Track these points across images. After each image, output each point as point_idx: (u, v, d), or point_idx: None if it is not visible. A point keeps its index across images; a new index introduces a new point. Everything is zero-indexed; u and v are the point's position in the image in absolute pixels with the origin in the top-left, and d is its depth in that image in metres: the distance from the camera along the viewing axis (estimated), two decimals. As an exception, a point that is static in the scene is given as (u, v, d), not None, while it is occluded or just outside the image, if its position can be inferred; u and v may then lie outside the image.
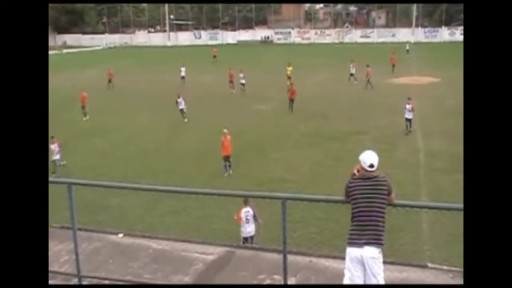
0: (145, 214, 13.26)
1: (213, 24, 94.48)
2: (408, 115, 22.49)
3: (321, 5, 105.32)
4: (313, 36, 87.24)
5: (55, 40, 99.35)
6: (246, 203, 10.62)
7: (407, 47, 58.49)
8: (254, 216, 10.65)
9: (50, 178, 6.45)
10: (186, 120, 26.18)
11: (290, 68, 36.55)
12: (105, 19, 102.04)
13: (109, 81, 39.63)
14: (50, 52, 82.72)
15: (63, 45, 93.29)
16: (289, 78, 35.12)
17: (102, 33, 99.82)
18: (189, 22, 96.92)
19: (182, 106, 26.11)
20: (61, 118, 26.04)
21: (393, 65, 42.86)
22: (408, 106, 22.53)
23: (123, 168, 18.20)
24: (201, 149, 21.04)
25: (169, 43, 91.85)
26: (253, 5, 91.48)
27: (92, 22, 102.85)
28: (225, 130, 17.99)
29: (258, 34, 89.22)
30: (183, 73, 40.06)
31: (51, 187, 5.83)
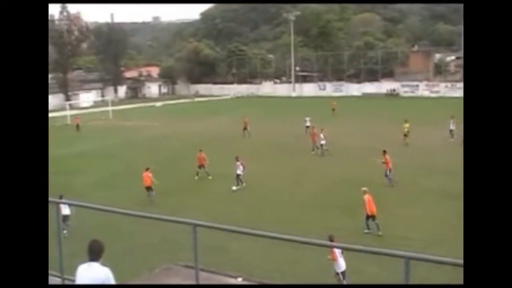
0: (263, 261, 13.41)
1: (338, 76, 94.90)
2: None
3: (453, 57, 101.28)
4: (442, 89, 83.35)
5: (189, 89, 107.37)
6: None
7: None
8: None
9: (175, 218, 7.01)
10: (234, 188, 23.33)
11: (407, 125, 34.98)
12: (234, 70, 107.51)
13: (244, 128, 40.70)
14: (183, 100, 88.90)
15: (196, 94, 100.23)
16: (405, 136, 34.16)
17: (231, 83, 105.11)
18: (314, 74, 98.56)
19: (239, 171, 23.12)
20: (186, 163, 27.53)
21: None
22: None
23: (243, 213, 18.69)
24: (322, 199, 21.01)
25: (294, 94, 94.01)
26: (379, 57, 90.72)
27: (222, 73, 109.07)
28: (365, 188, 17.41)
29: (383, 86, 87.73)
30: (307, 123, 40.90)
31: (177, 226, 6.20)
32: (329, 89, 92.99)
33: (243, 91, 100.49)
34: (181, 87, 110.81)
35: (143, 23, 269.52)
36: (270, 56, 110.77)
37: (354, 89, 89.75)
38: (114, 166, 29.16)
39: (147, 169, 22.38)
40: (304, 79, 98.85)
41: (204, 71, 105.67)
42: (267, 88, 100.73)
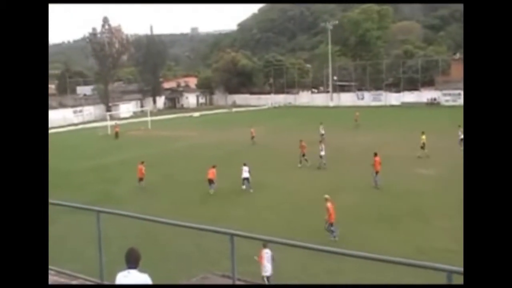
0: (299, 272, 13.32)
1: (377, 85, 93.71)
2: None
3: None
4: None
5: (226, 99, 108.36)
6: (265, 246, 12.25)
7: None
8: (272, 257, 12.32)
9: (213, 228, 7.04)
10: (243, 187, 25.57)
11: (423, 137, 34.02)
12: (271, 80, 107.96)
13: (252, 138, 43.24)
14: (221, 111, 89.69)
15: (233, 104, 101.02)
16: (422, 147, 33.40)
17: (268, 93, 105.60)
18: (352, 83, 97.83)
19: (246, 174, 25.65)
20: (227, 170, 27.81)
21: None
22: None
23: (280, 223, 18.62)
24: (359, 209, 20.70)
25: (331, 104, 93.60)
26: (419, 66, 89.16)
27: (259, 83, 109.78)
28: (327, 196, 17.32)
29: (424, 95, 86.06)
30: (322, 131, 42.26)
31: (214, 236, 6.22)
32: (368, 98, 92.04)
33: (280, 101, 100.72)
34: (219, 97, 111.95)
35: (181, 35, 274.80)
36: (308, 65, 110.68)
37: (393, 98, 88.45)
38: (152, 175, 29.68)
39: (213, 167, 25.71)
40: (342, 89, 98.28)
41: (241, 81, 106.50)
42: (305, 98, 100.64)
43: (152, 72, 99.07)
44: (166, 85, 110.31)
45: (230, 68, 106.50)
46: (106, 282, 7.20)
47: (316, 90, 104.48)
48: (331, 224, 17.28)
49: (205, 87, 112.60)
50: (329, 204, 17.17)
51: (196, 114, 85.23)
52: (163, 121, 73.69)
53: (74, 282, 8.03)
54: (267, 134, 49.35)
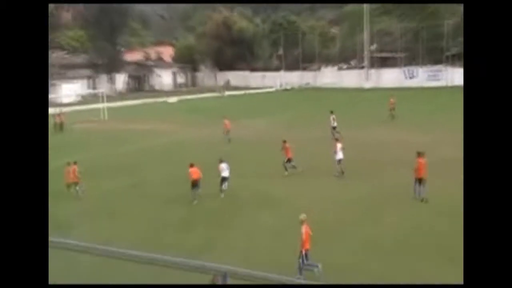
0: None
1: (434, 57, 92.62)
2: None
3: None
4: None
5: (216, 78, 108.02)
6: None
7: None
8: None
9: (201, 263, 6.94)
10: (222, 188, 27.71)
11: None
12: (281, 51, 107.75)
13: (226, 132, 44.84)
14: (208, 95, 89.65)
15: (226, 85, 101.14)
16: None
17: (277, 70, 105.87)
18: (398, 55, 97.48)
19: (225, 173, 28.11)
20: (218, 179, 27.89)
21: None
22: None
23: (288, 256, 18.53)
24: (400, 235, 20.60)
25: (367, 85, 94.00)
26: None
27: (264, 56, 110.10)
28: (303, 217, 17.59)
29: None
30: (334, 123, 43.69)
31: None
32: (421, 76, 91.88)
33: (294, 80, 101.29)
34: (205, 76, 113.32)
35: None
36: (333, 30, 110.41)
37: (458, 76, 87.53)
38: (111, 186, 29.40)
39: (191, 165, 27.24)
40: (384, 63, 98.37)
41: (238, 52, 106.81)
42: (329, 76, 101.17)
43: (108, 38, 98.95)
44: (129, 57, 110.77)
45: (222, 33, 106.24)
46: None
47: (345, 66, 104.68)
48: (306, 255, 17.17)
49: (186, 61, 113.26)
50: (304, 228, 17.29)
51: (173, 99, 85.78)
52: (125, 109, 73.84)
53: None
54: (273, 129, 49.76)
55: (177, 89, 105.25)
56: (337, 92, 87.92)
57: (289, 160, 32.23)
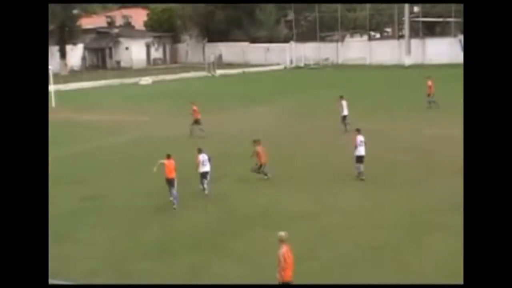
0: None
1: None
2: None
3: None
4: None
5: (204, 52, 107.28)
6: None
7: None
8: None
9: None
10: (203, 187, 29.69)
11: None
12: (291, 15, 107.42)
13: (195, 122, 45.73)
14: (193, 74, 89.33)
15: (217, 61, 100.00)
16: None
17: (285, 40, 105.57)
18: (450, 19, 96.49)
19: (206, 168, 30.07)
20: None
21: None
22: None
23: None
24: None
25: (407, 61, 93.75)
26: None
27: (268, 21, 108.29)
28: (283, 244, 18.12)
29: None
30: (344, 111, 45.01)
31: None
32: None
33: (309, 55, 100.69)
34: (190, 49, 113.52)
35: None
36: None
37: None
38: (57, 202, 27.54)
39: (168, 157, 29.07)
40: (431, 31, 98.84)
41: (233, 17, 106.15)
42: (356, 49, 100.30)
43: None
44: (87, 22, 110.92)
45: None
46: None
47: (377, 35, 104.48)
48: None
49: (164, 29, 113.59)
50: (283, 250, 18.56)
51: (146, 80, 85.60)
52: (81, 93, 74.57)
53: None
54: (277, 121, 50.40)
55: (151, 67, 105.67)
56: (367, 70, 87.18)
57: (260, 166, 33.31)
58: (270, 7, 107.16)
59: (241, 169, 33.83)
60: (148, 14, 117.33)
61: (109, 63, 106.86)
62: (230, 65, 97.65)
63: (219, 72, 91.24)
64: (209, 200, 28.66)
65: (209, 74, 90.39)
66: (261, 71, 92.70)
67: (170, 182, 28.12)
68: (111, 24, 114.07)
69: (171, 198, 28.10)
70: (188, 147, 39.68)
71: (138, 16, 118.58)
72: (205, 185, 29.53)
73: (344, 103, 45.12)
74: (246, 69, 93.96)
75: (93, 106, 63.10)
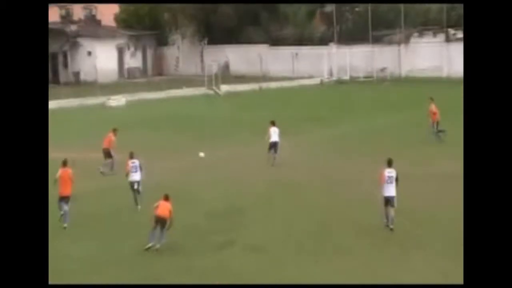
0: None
1: None
2: None
3: None
4: None
5: (202, 59, 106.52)
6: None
7: None
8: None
9: None
10: (136, 202, 37.07)
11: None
12: (330, 6, 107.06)
13: (107, 153, 46.68)
14: (186, 92, 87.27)
15: (223, 71, 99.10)
16: None
17: (323, 42, 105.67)
18: None
19: (136, 177, 38.33)
20: None
21: None
22: None
23: None
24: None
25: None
26: None
27: (297, 16, 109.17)
28: None
29: None
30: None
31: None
32: None
33: (357, 64, 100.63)
34: (182, 55, 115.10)
35: None
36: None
37: None
38: None
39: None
40: None
41: (244, 9, 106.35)
42: (426, 54, 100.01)
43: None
44: None
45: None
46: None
47: (459, 34, 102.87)
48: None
49: (144, 26, 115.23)
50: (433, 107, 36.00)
51: (117, 100, 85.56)
52: None
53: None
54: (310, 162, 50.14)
55: (125, 81, 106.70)
56: (443, 87, 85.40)
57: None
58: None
59: (258, 232, 33.56)
60: (121, 7, 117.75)
61: (63, 75, 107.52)
62: (241, 78, 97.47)
63: (224, 88, 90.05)
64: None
65: (211, 92, 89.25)
66: (287, 87, 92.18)
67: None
68: (66, 18, 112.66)
69: (61, 212, 33.08)
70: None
71: (106, 7, 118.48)
72: (137, 203, 36.81)
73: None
74: (265, 84, 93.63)
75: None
